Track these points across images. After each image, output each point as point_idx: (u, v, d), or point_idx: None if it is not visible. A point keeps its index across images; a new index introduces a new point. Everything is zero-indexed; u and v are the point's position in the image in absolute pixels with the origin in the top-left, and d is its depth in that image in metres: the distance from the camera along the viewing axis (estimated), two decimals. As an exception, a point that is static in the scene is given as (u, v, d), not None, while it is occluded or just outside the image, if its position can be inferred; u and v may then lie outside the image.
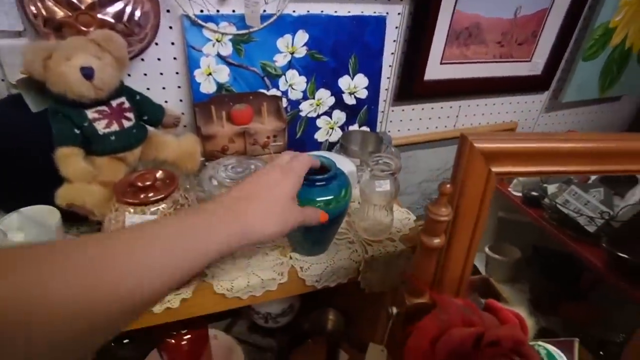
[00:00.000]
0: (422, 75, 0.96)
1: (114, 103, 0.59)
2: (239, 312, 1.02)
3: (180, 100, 0.80)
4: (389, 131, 1.02)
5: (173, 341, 0.77)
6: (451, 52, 0.97)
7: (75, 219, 0.60)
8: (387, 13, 0.86)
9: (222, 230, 0.36)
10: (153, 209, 0.53)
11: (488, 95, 1.13)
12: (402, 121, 1.05)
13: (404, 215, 0.80)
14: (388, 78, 0.95)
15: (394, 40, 0.91)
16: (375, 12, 0.85)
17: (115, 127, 0.59)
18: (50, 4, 0.59)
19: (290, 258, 0.65)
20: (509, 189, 1.15)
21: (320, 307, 1.04)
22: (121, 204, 0.52)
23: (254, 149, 0.77)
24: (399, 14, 0.88)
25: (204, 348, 0.82)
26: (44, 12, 0.59)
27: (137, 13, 0.65)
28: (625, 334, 0.76)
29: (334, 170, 0.56)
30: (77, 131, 0.57)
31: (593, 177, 1.04)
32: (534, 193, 1.07)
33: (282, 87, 0.83)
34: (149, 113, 0.65)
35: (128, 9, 0.64)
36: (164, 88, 0.77)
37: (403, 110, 1.03)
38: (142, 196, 0.53)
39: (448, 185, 0.46)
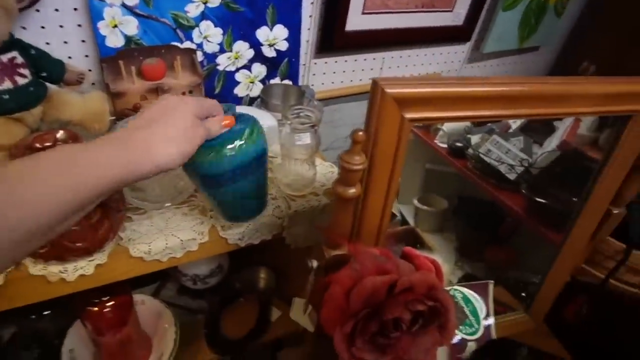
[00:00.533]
0: (344, 26, 0.98)
1: (4, 58, 0.56)
2: (167, 275, 1.04)
3: (86, 56, 0.76)
4: (312, 85, 1.05)
5: (96, 309, 0.78)
6: (372, 2, 1.00)
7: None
8: None
9: (118, 159, 0.37)
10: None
11: (411, 47, 1.17)
12: (326, 74, 1.08)
13: (328, 169, 0.85)
14: (308, 29, 0.96)
15: (311, -11, 0.93)
16: (292, -41, 0.86)
17: (8, 84, 0.57)
18: None
19: (210, 217, 0.68)
20: (435, 141, 1.25)
21: (250, 265, 1.09)
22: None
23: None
24: None
25: (129, 314, 0.84)
26: None
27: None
28: (542, 274, 0.88)
29: (232, 111, 0.54)
30: (-39, 90, 0.55)
31: (514, 127, 1.15)
32: (458, 144, 1.15)
33: (197, 39, 0.82)
34: (48, 69, 0.63)
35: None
36: (65, 42, 0.73)
37: (326, 62, 1.06)
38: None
39: (360, 133, 0.46)
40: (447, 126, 1.22)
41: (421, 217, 1.32)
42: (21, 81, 0.59)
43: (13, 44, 0.59)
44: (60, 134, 0.55)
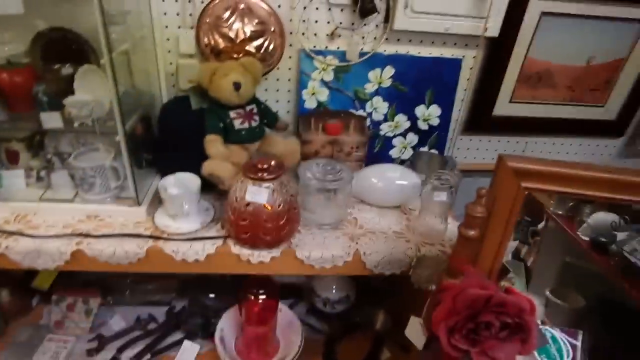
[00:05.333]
0: (491, 111, 1.17)
1: (248, 108, 0.90)
2: (302, 295, 1.27)
3: (287, 112, 1.10)
4: (455, 157, 1.24)
5: (253, 301, 1.05)
6: (520, 93, 1.17)
7: (210, 187, 0.90)
8: (463, 56, 1.09)
9: None
10: (266, 184, 0.81)
11: (556, 135, 1.28)
12: (469, 149, 1.25)
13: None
14: (459, 110, 1.16)
15: (467, 79, 1.13)
16: (453, 55, 1.09)
17: (246, 124, 0.90)
18: (217, 37, 0.93)
19: (357, 243, 0.90)
20: (578, 232, 1.27)
21: (372, 305, 1.24)
22: (245, 177, 0.82)
23: (339, 156, 1.04)
24: (473, 57, 1.10)
25: (273, 315, 1.08)
26: (212, 43, 0.94)
27: (271, 46, 0.96)
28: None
29: None
30: (221, 125, 0.88)
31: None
32: (602, 239, 1.17)
33: (368, 109, 1.10)
34: (268, 118, 0.95)
35: (265, 43, 0.96)
36: (277, 101, 1.08)
37: (471, 140, 1.23)
38: (259, 174, 0.82)
39: (483, 190, 0.64)
40: (592, 218, 1.23)
41: (552, 310, 1.30)
42: (253, 124, 0.91)
43: (252, 99, 0.92)
44: (273, 161, 0.83)
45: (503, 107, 1.18)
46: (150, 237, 0.84)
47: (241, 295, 1.05)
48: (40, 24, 0.89)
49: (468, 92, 1.16)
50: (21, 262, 0.81)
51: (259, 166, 0.82)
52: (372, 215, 0.99)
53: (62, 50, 0.92)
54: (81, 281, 1.18)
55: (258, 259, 0.84)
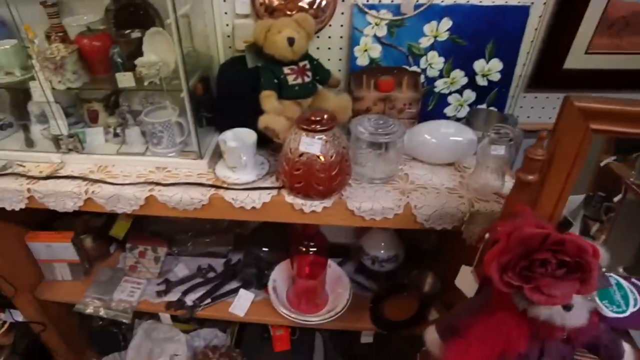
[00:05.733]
0: (562, 64, 1.09)
1: (301, 64, 0.92)
2: (350, 253, 1.30)
3: (339, 70, 1.11)
4: (517, 116, 1.18)
5: (304, 254, 1.09)
6: (600, 42, 1.06)
7: (265, 143, 0.94)
8: (532, 3, 1.01)
9: None
10: (319, 136, 0.84)
11: None
12: (534, 108, 1.19)
13: (515, 186, 0.98)
14: (524, 65, 1.10)
15: (535, 29, 1.06)
16: (519, 2, 1.02)
17: (299, 80, 0.92)
18: (271, -4, 0.96)
19: (407, 197, 0.90)
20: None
21: (420, 268, 1.24)
22: (299, 129, 0.84)
23: (391, 113, 1.03)
24: (544, 3, 1.02)
25: (322, 268, 1.12)
26: (266, 1, 0.97)
27: (323, 2, 0.98)
28: None
29: None
30: (275, 80, 0.91)
31: None
32: None
33: (422, 65, 1.07)
34: (320, 74, 0.97)
35: (317, 0, 0.97)
36: (328, 59, 1.09)
37: (535, 97, 1.17)
38: (312, 126, 0.84)
39: (545, 132, 0.61)
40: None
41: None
42: (306, 80, 0.93)
43: (305, 55, 0.94)
44: (325, 114, 0.85)
45: (577, 59, 1.09)
46: (212, 186, 0.91)
47: (293, 249, 1.10)
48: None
49: (535, 43, 1.09)
50: (105, 206, 0.93)
51: (312, 118, 0.84)
52: (424, 172, 0.99)
53: (132, 16, 1.00)
54: (150, 232, 1.30)
55: (310, 208, 0.88)
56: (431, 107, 1.13)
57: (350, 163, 0.89)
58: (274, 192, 0.90)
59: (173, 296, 1.20)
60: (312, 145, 0.83)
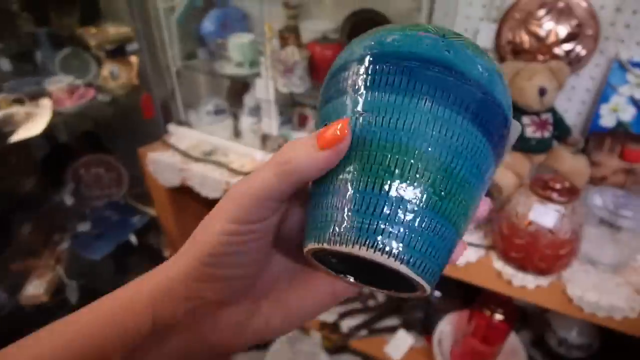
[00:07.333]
0: None
1: (544, 116, 0.83)
2: (529, 320, 1.15)
3: (574, 126, 0.98)
4: None
5: (487, 313, 1.00)
6: None
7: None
8: None
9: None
10: (556, 207, 0.74)
11: None
12: None
13: None
14: None
15: None
16: None
17: (538, 134, 0.83)
18: (524, 35, 0.88)
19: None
20: None
21: None
22: (533, 193, 0.76)
23: (633, 189, 0.89)
24: None
25: (503, 336, 1.02)
26: (516, 40, 0.89)
27: (583, 52, 0.86)
28: None
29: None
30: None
31: None
32: None
33: (685, 139, 0.90)
34: (560, 130, 0.86)
35: (577, 48, 0.86)
36: (565, 111, 0.98)
37: None
38: (550, 193, 0.75)
39: None
40: None
41: None
42: (546, 135, 0.84)
43: (551, 107, 0.85)
44: (567, 183, 0.75)
45: None
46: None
47: (476, 305, 1.01)
48: (355, 4, 0.98)
49: None
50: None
51: (551, 184, 0.75)
52: (664, 270, 0.82)
53: (368, 29, 1.00)
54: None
55: (522, 282, 0.79)
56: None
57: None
58: (482, 251, 0.82)
59: (329, 315, 1.20)
60: (545, 215, 0.74)
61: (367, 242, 0.22)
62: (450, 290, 1.15)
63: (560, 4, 0.85)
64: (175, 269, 0.24)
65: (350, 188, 0.23)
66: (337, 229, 0.22)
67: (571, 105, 0.96)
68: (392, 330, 1.15)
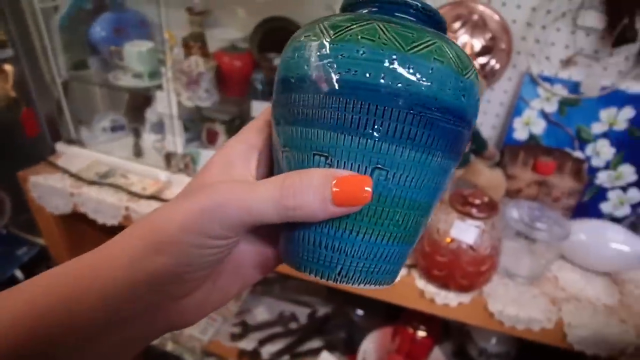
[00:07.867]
0: None
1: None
2: (450, 331, 1.17)
3: (488, 139, 1.00)
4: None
5: (410, 330, 0.99)
6: None
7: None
8: None
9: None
10: (476, 223, 0.73)
11: None
12: None
13: None
14: None
15: None
16: None
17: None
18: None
19: (559, 310, 0.77)
20: None
21: None
22: (452, 209, 0.75)
23: (545, 200, 0.91)
24: None
25: (427, 351, 1.01)
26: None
27: (497, 66, 0.88)
28: None
29: None
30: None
31: None
32: None
33: (588, 152, 0.94)
34: (477, 143, 0.87)
35: (492, 62, 0.87)
36: (480, 124, 0.99)
37: None
38: (469, 209, 0.74)
39: None
40: None
41: None
42: (464, 149, 0.83)
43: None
44: (486, 198, 0.75)
45: None
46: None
47: (401, 321, 1.00)
48: (266, 11, 0.92)
49: None
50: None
51: (470, 200, 0.74)
52: (575, 277, 0.85)
53: (280, 40, 0.94)
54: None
55: (444, 300, 0.77)
56: (586, 199, 0.99)
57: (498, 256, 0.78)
58: (404, 270, 0.80)
59: (248, 343, 1.12)
60: (466, 232, 0.73)
61: (329, 275, 0.25)
62: (374, 307, 1.13)
63: (475, 17, 0.85)
64: (137, 268, 0.23)
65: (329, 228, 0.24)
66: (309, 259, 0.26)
67: (486, 119, 0.98)
68: (316, 352, 1.10)
